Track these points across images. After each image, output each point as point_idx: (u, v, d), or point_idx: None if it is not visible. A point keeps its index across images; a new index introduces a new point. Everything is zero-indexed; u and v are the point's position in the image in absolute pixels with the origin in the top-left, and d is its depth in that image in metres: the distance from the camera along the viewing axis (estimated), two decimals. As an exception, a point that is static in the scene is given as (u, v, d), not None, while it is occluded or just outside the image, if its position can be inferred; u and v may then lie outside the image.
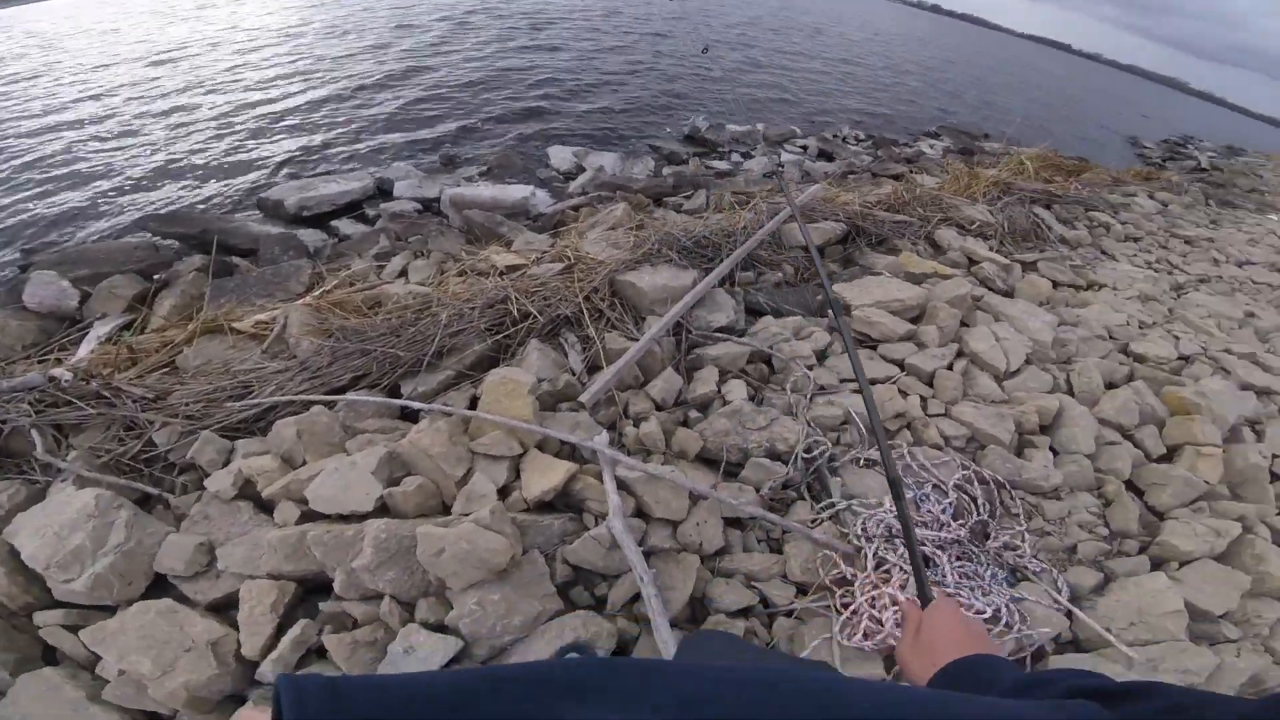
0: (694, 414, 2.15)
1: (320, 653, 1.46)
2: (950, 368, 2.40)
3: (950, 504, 1.85)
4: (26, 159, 6.59)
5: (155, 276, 4.11)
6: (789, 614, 1.66)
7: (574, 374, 2.28)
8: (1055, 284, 3.47)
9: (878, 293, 2.73)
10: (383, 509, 1.64)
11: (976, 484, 1.94)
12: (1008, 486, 1.98)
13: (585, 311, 2.51)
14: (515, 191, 5.25)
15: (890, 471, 1.07)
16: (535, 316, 2.46)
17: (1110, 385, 2.53)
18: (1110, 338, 2.90)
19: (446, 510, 1.72)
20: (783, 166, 6.84)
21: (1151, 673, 1.55)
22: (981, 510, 1.87)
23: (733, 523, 1.84)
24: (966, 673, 0.66)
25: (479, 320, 2.46)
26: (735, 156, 7.18)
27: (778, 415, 2.06)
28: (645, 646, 1.57)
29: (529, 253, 3.34)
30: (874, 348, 2.51)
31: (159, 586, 1.59)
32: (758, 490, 1.88)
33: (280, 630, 1.45)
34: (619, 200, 4.39)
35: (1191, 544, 1.91)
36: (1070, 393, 2.45)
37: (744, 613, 1.68)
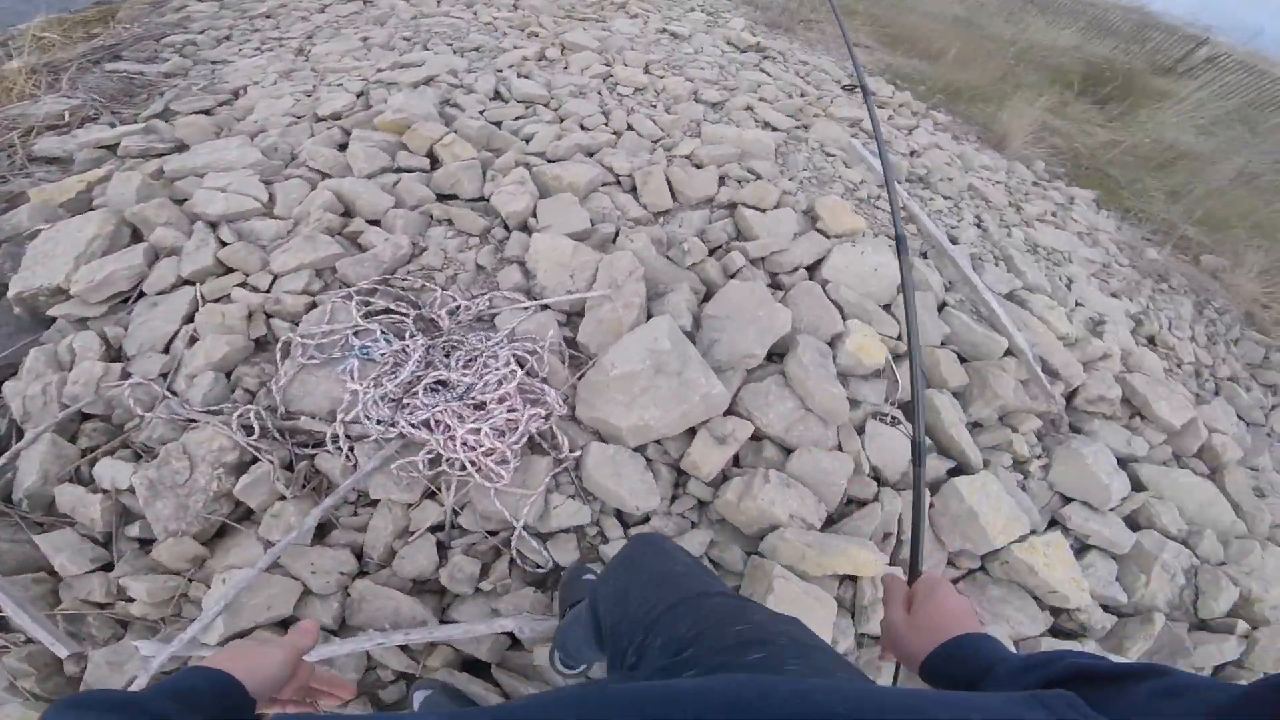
0: (133, 528, 1.55)
1: None
2: (223, 244, 2.06)
3: (382, 331, 1.81)
4: None
5: None
6: (457, 512, 1.63)
7: (9, 646, 1.29)
8: (208, 112, 3.16)
9: (66, 251, 1.97)
10: None
11: (373, 298, 1.91)
12: (388, 278, 2.02)
13: None
14: None
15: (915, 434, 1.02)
16: None
17: (342, 148, 2.63)
18: (298, 118, 2.91)
19: None
20: None
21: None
22: (405, 310, 1.88)
23: (324, 531, 1.61)
24: (969, 650, 0.65)
25: None
26: None
27: (180, 441, 1.57)
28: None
29: None
30: (142, 296, 1.94)
31: None
32: (283, 499, 1.57)
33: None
34: None
35: (518, 201, 2.27)
36: (326, 177, 2.46)
37: (442, 549, 1.60)
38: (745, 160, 2.95)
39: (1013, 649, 0.75)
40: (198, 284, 1.96)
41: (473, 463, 1.58)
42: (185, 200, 2.26)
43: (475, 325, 1.93)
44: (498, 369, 1.70)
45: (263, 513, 1.55)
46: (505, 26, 4.58)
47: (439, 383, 1.72)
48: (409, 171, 2.52)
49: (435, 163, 2.63)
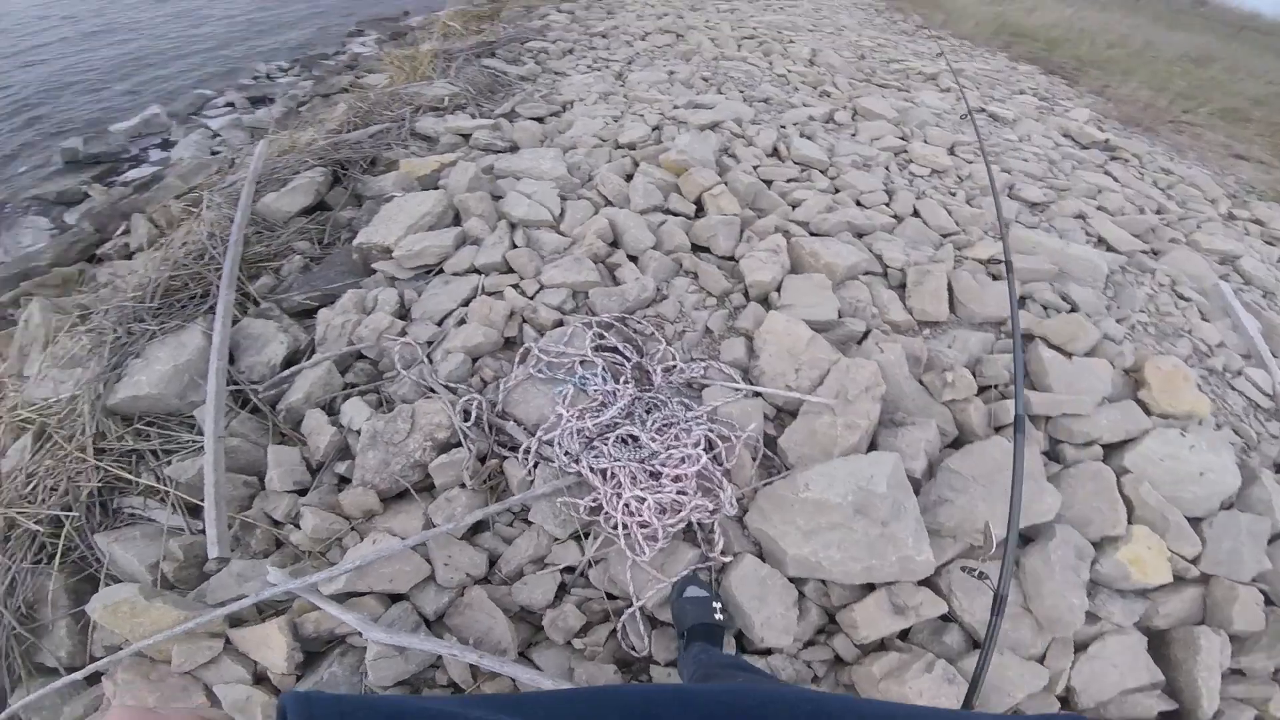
0: (342, 466, 1.76)
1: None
2: (514, 245, 2.35)
3: (604, 369, 1.87)
4: None
5: None
6: (591, 564, 1.62)
7: (185, 531, 1.69)
8: (540, 120, 3.65)
9: (403, 218, 2.43)
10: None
11: (608, 333, 2.00)
12: (627, 316, 2.08)
13: (114, 468, 1.76)
14: None
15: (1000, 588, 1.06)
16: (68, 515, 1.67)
17: (628, 178, 2.83)
18: (602, 141, 3.21)
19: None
20: (219, 137, 5.55)
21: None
22: (628, 354, 1.94)
23: (478, 529, 1.68)
24: None
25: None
26: (154, 154, 5.52)
27: (413, 405, 1.77)
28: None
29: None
30: (441, 272, 2.29)
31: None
32: (464, 486, 1.68)
33: None
34: (35, 297, 2.96)
35: (766, 271, 2.18)
36: (608, 204, 2.67)
37: (561, 592, 1.60)
38: (1061, 282, 2.47)
39: None
40: (483, 275, 2.25)
41: (625, 527, 1.57)
42: (500, 198, 2.63)
43: (683, 390, 1.92)
44: (686, 446, 1.66)
45: (441, 493, 1.69)
46: (798, 81, 4.51)
47: (631, 437, 1.73)
48: (675, 215, 2.60)
49: (700, 210, 2.68)
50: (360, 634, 1.47)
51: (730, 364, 1.97)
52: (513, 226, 2.45)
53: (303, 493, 1.75)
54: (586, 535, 1.64)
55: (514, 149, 3.20)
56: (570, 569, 1.63)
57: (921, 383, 1.96)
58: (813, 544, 1.52)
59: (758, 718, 0.50)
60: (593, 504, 1.62)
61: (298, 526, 1.67)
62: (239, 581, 1.59)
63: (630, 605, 1.54)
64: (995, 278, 2.43)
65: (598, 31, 5.58)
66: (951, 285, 2.31)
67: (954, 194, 3.11)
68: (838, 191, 2.91)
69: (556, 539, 1.65)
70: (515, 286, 2.18)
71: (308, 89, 6.42)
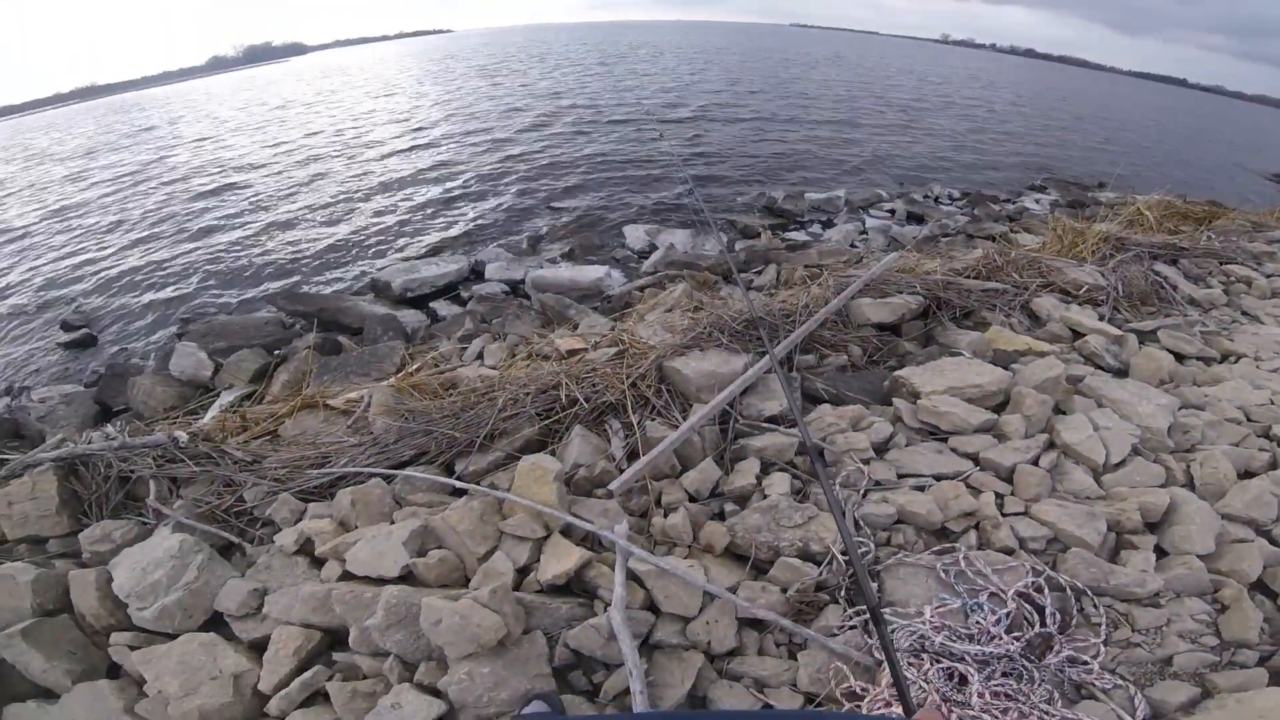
0: (730, 507, 2.06)
1: (325, 696, 1.59)
2: (1036, 462, 2.11)
3: (1007, 614, 1.64)
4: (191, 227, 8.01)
5: (276, 352, 4.72)
6: None
7: (613, 460, 2.27)
8: (1180, 356, 3.00)
9: (953, 376, 2.49)
10: (408, 576, 1.76)
11: (1048, 591, 1.69)
12: (1089, 593, 1.71)
13: (629, 398, 2.51)
14: (591, 272, 5.48)
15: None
16: (581, 403, 2.49)
17: (1246, 475, 2.13)
18: (1247, 420, 2.44)
19: (468, 583, 1.80)
20: (866, 234, 6.65)
21: None
22: (1050, 621, 1.63)
23: (753, 623, 1.75)
24: None
25: (531, 405, 2.53)
26: (815, 226, 7.08)
27: (818, 513, 1.92)
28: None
29: (590, 336, 3.43)
30: (944, 440, 2.27)
31: (216, 622, 1.79)
32: (784, 591, 1.77)
33: (298, 672, 1.62)
34: (683, 280, 4.45)
35: None
36: (1190, 486, 2.08)
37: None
38: None
39: None
40: (977, 467, 2.12)
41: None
42: (1062, 414, 2.38)
43: (1065, 686, 1.53)
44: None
45: (765, 580, 1.80)
46: None
47: (962, 676, 1.51)
48: None
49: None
50: (607, 605, 1.67)
51: (1153, 699, 1.50)
52: (1050, 445, 2.20)
53: (694, 500, 2.08)
54: (818, 704, 1.53)
55: (1121, 373, 2.78)
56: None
57: None
58: None
59: None
60: (859, 690, 1.50)
61: (666, 516, 1.98)
62: (599, 514, 1.96)
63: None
64: None
65: None
66: None
67: None
68: None
69: (794, 684, 1.57)
70: (999, 496, 1.99)
71: (960, 224, 6.94)
